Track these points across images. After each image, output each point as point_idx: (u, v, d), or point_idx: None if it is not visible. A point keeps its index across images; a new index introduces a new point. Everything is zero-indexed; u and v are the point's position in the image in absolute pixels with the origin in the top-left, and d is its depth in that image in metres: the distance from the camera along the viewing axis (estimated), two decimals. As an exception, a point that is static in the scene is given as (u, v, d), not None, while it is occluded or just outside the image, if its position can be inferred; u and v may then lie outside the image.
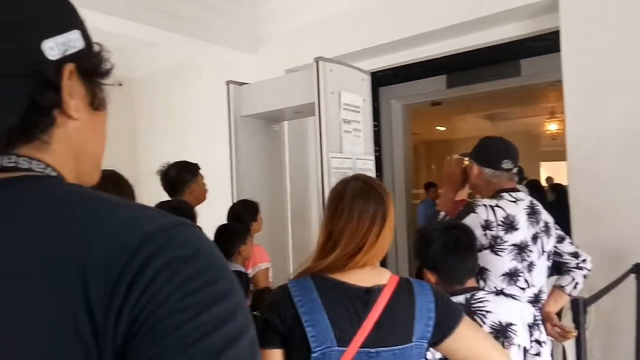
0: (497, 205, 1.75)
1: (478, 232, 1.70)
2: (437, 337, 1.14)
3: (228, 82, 3.12)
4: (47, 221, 0.47)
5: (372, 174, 2.87)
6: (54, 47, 0.51)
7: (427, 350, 1.16)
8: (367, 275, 1.15)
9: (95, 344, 0.42)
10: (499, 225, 1.73)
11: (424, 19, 3.21)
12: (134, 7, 3.20)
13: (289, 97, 2.89)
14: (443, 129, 8.95)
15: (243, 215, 2.69)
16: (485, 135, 2.07)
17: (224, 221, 2.60)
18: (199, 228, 0.50)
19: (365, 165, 2.84)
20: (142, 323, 0.42)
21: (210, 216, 2.37)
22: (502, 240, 1.73)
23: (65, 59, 0.52)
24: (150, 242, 0.45)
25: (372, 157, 2.92)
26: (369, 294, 1.11)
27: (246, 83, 3.14)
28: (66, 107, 0.53)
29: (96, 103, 0.58)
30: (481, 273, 1.76)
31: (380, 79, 4.35)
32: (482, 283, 1.77)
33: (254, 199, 2.83)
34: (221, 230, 2.44)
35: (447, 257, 1.52)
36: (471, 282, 1.57)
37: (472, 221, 1.72)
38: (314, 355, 1.05)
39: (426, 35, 3.31)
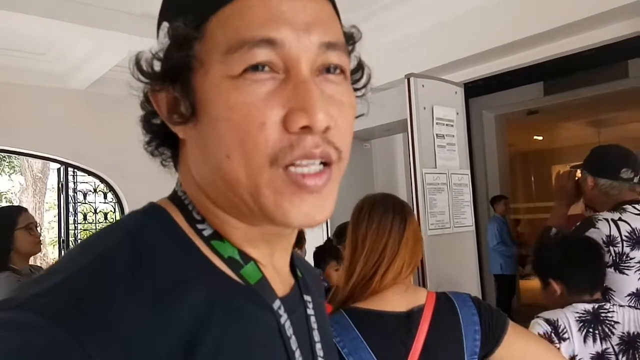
0: (620, 219, 1.60)
1: (599, 249, 1.57)
2: (486, 350, 1.06)
3: (319, 104, 3.19)
4: None
5: (468, 188, 2.76)
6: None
7: None
8: (402, 297, 1.09)
9: None
10: (623, 240, 1.57)
11: (515, 27, 3.07)
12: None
13: (379, 114, 2.88)
14: (540, 138, 8.43)
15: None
16: (589, 142, 1.92)
17: (320, 237, 2.69)
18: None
19: (461, 180, 2.73)
20: None
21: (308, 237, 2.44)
22: (628, 257, 1.57)
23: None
24: None
25: (468, 171, 2.81)
26: (410, 319, 1.05)
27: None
28: (173, 128, 0.47)
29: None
30: (604, 293, 1.61)
31: (470, 90, 4.21)
32: (605, 304, 1.62)
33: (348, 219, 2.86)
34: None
35: (575, 267, 1.49)
36: (598, 296, 1.51)
37: (592, 237, 1.58)
38: None
39: (518, 43, 3.16)
